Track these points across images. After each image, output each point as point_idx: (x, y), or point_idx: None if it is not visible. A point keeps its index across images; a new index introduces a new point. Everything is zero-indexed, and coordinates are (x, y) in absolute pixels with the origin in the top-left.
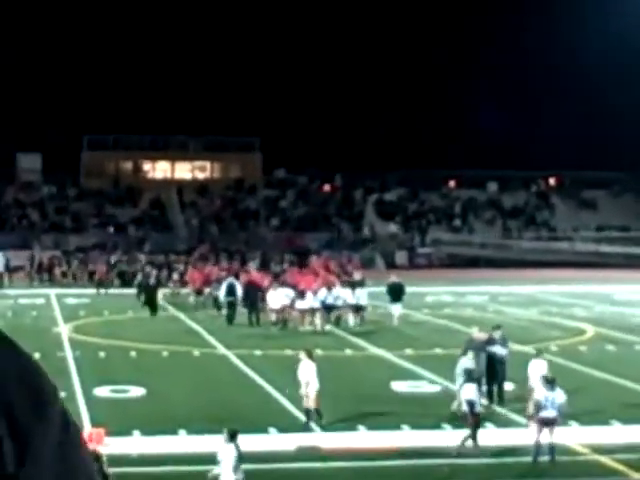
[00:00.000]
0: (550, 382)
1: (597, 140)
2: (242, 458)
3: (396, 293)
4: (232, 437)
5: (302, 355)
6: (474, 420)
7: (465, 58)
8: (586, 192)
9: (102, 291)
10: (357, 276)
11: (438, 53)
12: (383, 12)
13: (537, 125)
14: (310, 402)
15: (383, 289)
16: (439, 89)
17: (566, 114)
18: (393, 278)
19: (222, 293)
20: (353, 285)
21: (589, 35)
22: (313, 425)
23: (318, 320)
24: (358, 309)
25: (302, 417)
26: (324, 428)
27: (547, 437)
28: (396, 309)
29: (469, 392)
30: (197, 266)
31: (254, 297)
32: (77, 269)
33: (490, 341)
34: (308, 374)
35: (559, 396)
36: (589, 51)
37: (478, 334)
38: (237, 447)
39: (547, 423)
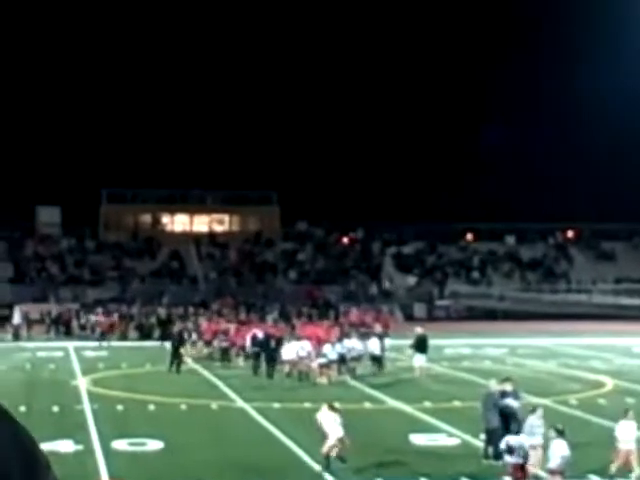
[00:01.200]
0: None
1: (615, 191)
2: None
3: (421, 345)
4: None
5: (324, 407)
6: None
7: (482, 110)
8: (604, 244)
9: (104, 343)
10: (378, 329)
11: (454, 106)
12: (398, 65)
13: (554, 177)
14: (330, 449)
15: (402, 341)
16: (456, 142)
17: (583, 166)
18: (418, 330)
19: (248, 344)
20: (367, 336)
21: (607, 86)
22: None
23: (333, 372)
24: (374, 359)
25: (321, 472)
26: None
27: None
28: (420, 360)
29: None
30: (212, 319)
31: (271, 349)
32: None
33: (502, 394)
34: (330, 424)
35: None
36: (606, 101)
37: (496, 386)
38: None
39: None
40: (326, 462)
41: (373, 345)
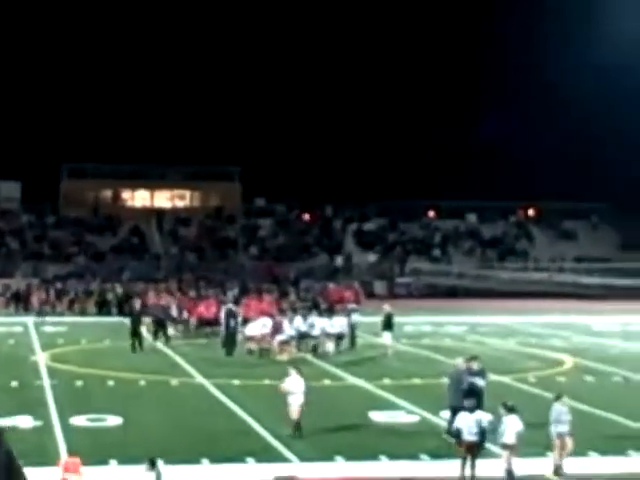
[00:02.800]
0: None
1: (576, 170)
2: None
3: (387, 323)
4: (152, 465)
5: (292, 370)
6: None
7: (446, 88)
8: (565, 223)
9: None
10: (351, 306)
11: (418, 83)
12: (364, 40)
13: (516, 156)
14: (293, 414)
15: (362, 319)
16: (419, 119)
17: (545, 145)
18: (386, 308)
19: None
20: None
21: (570, 68)
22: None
23: (293, 348)
24: (339, 338)
25: (280, 447)
26: (301, 458)
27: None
28: (387, 338)
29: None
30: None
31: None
32: (55, 297)
33: (469, 372)
34: (296, 387)
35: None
36: (570, 82)
37: (462, 364)
38: (158, 475)
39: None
40: (296, 428)
41: (341, 322)
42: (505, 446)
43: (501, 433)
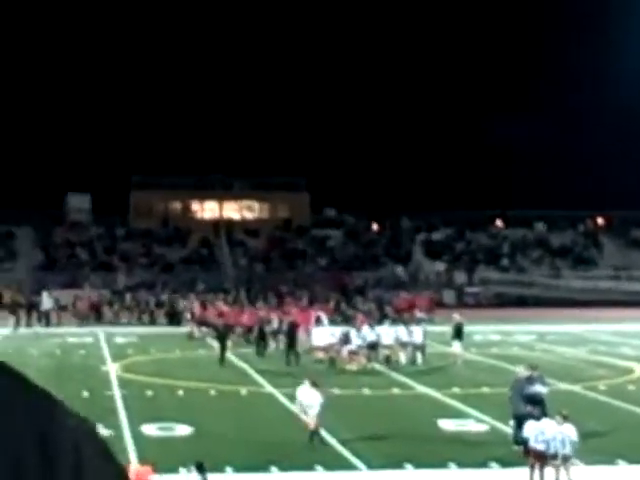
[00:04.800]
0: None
1: None
2: None
3: (458, 332)
4: (199, 469)
5: (305, 381)
6: None
7: (511, 96)
8: (635, 231)
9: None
10: (419, 315)
11: (485, 95)
12: (424, 55)
13: (585, 164)
14: (311, 425)
15: (431, 328)
16: (487, 130)
17: (615, 153)
18: (456, 317)
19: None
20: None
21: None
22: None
23: (362, 358)
24: (417, 348)
25: (349, 455)
26: (370, 466)
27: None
28: (457, 347)
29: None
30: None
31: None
32: (126, 308)
33: (530, 380)
34: (312, 399)
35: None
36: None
37: (522, 372)
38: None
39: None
40: (312, 436)
41: (417, 333)
42: (565, 457)
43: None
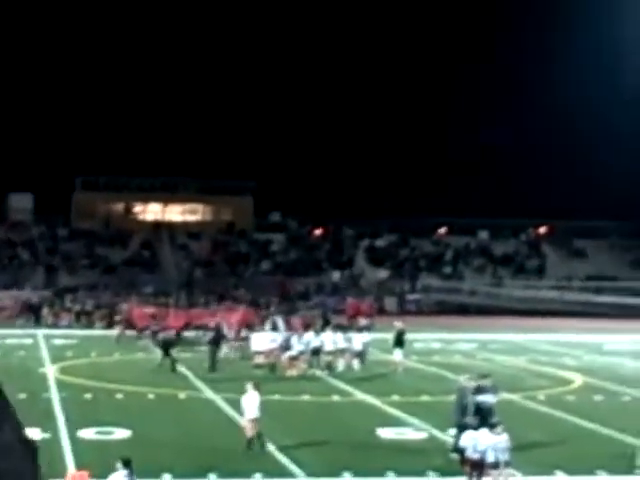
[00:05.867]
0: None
1: (587, 189)
2: None
3: (399, 340)
4: (126, 465)
5: (249, 386)
6: None
7: (463, 107)
8: (577, 241)
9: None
10: (363, 322)
11: (435, 103)
12: (376, 55)
13: (528, 174)
14: (249, 431)
15: (372, 335)
16: (432, 137)
17: (556, 163)
18: (398, 324)
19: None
20: (345, 329)
21: (580, 86)
22: (255, 452)
23: (303, 364)
24: (356, 355)
25: (287, 463)
26: (309, 473)
27: None
28: (398, 355)
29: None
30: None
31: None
32: (66, 310)
33: (479, 389)
34: (252, 403)
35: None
36: (582, 99)
37: (467, 382)
38: (131, 473)
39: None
40: (250, 443)
41: (357, 340)
42: (490, 465)
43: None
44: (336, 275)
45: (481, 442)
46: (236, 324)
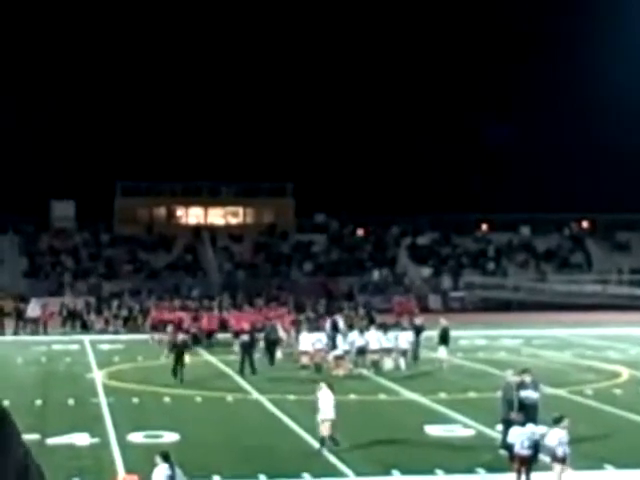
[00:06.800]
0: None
1: (630, 182)
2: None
3: (444, 337)
4: (165, 458)
5: (322, 384)
6: None
7: (499, 103)
8: (620, 234)
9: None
10: (417, 321)
11: (471, 99)
12: (415, 60)
13: (569, 168)
14: (324, 430)
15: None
16: (473, 134)
17: (598, 157)
18: (443, 322)
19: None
20: (386, 328)
21: (622, 73)
22: (326, 452)
23: (349, 364)
24: (404, 353)
25: (336, 462)
26: (358, 473)
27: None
28: (443, 352)
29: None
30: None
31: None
32: (113, 316)
33: (521, 385)
34: (326, 403)
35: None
36: (623, 89)
37: (511, 378)
38: (171, 466)
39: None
40: (322, 443)
41: (402, 338)
42: (555, 459)
43: (549, 446)
44: (376, 274)
45: (549, 438)
46: (289, 326)
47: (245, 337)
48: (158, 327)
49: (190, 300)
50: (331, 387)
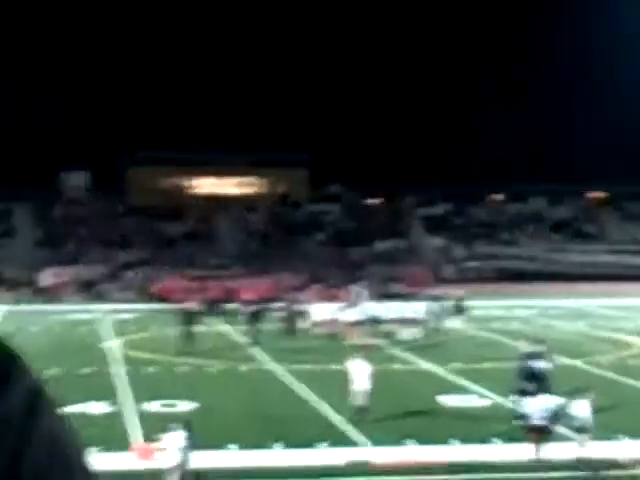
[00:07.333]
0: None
1: None
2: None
3: (459, 307)
4: (187, 426)
5: (356, 355)
6: None
7: (503, 77)
8: (633, 205)
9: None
10: (435, 291)
11: (480, 73)
12: (427, 28)
13: (584, 138)
14: (358, 399)
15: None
16: (485, 105)
17: (613, 128)
18: (457, 292)
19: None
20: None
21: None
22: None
23: (363, 333)
24: (419, 323)
25: (351, 432)
26: (373, 442)
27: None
28: (457, 322)
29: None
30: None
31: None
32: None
33: (534, 355)
34: (362, 374)
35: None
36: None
37: (525, 348)
38: (191, 435)
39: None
40: (354, 411)
41: (417, 308)
42: (578, 429)
43: (572, 417)
44: (383, 245)
45: (575, 408)
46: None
47: (252, 307)
48: (165, 297)
49: (205, 269)
50: (366, 358)
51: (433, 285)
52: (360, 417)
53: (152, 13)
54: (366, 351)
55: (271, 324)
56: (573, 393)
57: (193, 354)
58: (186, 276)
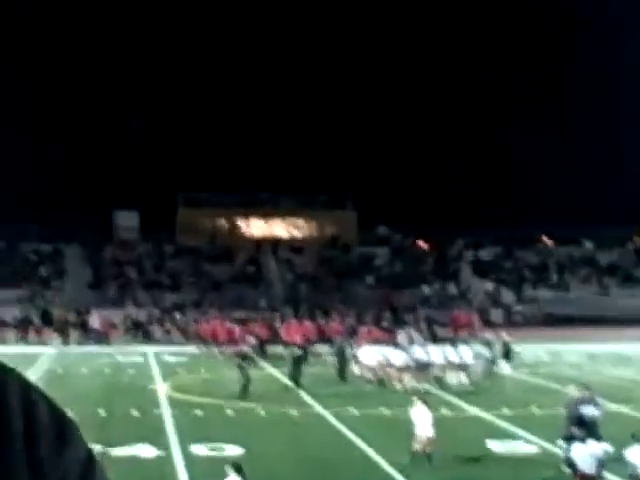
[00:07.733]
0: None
1: None
2: None
3: (507, 352)
4: (238, 470)
5: (415, 400)
6: None
7: (555, 122)
8: None
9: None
10: (486, 336)
11: (535, 120)
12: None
13: (632, 180)
14: (419, 445)
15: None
16: (536, 149)
17: None
18: (505, 337)
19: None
20: (449, 342)
21: None
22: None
23: (411, 378)
24: (465, 368)
25: (399, 477)
26: None
27: None
28: (507, 368)
29: None
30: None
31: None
32: (176, 328)
33: (582, 401)
34: (424, 419)
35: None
36: None
37: (574, 393)
38: (243, 478)
39: None
40: (414, 458)
41: (465, 352)
42: (632, 477)
43: (627, 464)
44: (431, 288)
45: (631, 454)
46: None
47: (298, 350)
48: (207, 339)
49: (253, 312)
50: (425, 402)
51: (481, 329)
52: (420, 464)
53: (204, 56)
54: (420, 396)
55: (320, 367)
56: (629, 440)
57: (243, 398)
58: (233, 319)
